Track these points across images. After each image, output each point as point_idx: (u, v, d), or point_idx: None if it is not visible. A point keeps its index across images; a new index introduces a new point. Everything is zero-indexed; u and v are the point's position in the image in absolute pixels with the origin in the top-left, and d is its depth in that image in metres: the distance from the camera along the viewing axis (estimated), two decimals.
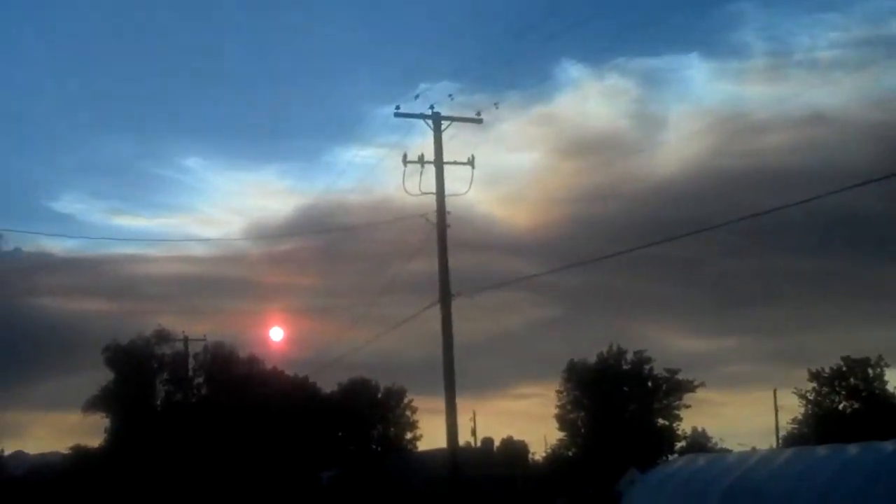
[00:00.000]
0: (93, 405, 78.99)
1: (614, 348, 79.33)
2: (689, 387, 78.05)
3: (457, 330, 27.81)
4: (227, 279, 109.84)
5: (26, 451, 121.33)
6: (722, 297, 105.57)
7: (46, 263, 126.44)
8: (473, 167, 28.47)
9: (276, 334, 65.88)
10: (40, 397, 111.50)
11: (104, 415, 79.61)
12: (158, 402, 79.02)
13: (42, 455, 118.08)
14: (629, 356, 79.06)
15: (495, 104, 29.40)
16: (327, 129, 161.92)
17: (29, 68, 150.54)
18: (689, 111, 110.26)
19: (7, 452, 79.39)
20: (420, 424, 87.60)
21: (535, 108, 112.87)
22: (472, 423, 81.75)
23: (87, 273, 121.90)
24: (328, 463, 75.00)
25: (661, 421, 78.52)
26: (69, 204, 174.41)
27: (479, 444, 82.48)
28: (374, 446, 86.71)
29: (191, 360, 74.00)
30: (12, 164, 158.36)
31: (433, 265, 28.18)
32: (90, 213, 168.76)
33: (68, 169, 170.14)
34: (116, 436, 78.50)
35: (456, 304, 27.69)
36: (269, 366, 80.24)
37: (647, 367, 78.63)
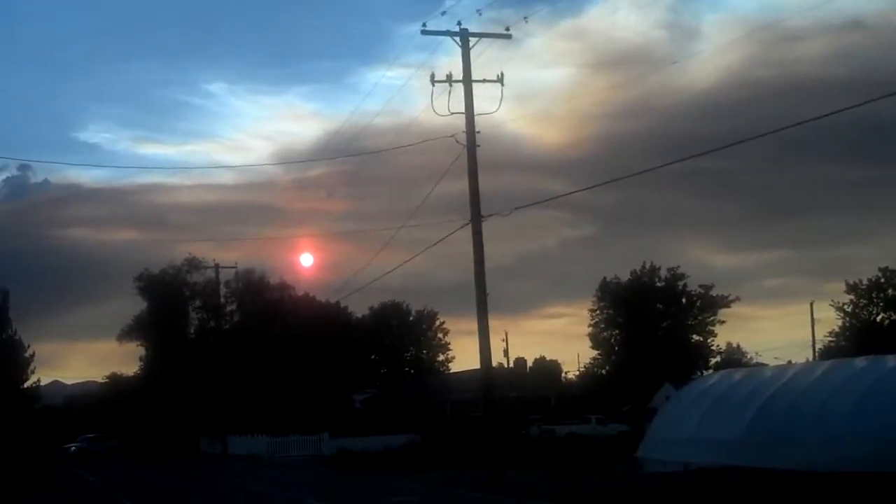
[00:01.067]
0: (127, 334, 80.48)
1: (647, 265, 79.41)
2: (723, 302, 78.10)
3: (488, 251, 27.61)
4: (255, 206, 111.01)
5: (63, 380, 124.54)
6: (758, 211, 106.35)
7: (75, 194, 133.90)
8: (503, 85, 27.73)
9: (306, 260, 65.48)
10: (75, 328, 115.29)
11: (139, 343, 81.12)
12: (192, 330, 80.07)
13: (78, 384, 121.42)
14: (663, 273, 79.21)
15: (524, 18, 28.41)
16: (352, 50, 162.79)
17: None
18: (723, 20, 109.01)
19: (44, 382, 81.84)
20: (452, 346, 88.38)
21: (566, 22, 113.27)
22: (504, 344, 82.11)
23: (115, 203, 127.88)
24: (361, 385, 75.97)
25: (695, 337, 78.82)
26: (95, 133, 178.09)
27: (511, 364, 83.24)
28: (406, 368, 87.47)
29: (222, 287, 73.71)
30: (38, 96, 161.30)
31: (463, 186, 27.84)
32: (116, 143, 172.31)
33: (94, 98, 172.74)
34: (152, 364, 79.96)
35: (487, 225, 27.47)
36: (299, 292, 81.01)
37: (680, 283, 78.76)
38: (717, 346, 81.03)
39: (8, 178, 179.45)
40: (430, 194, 30.51)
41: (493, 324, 28.09)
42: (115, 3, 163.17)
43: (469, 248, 27.45)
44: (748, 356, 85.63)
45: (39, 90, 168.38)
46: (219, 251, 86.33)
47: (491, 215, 27.26)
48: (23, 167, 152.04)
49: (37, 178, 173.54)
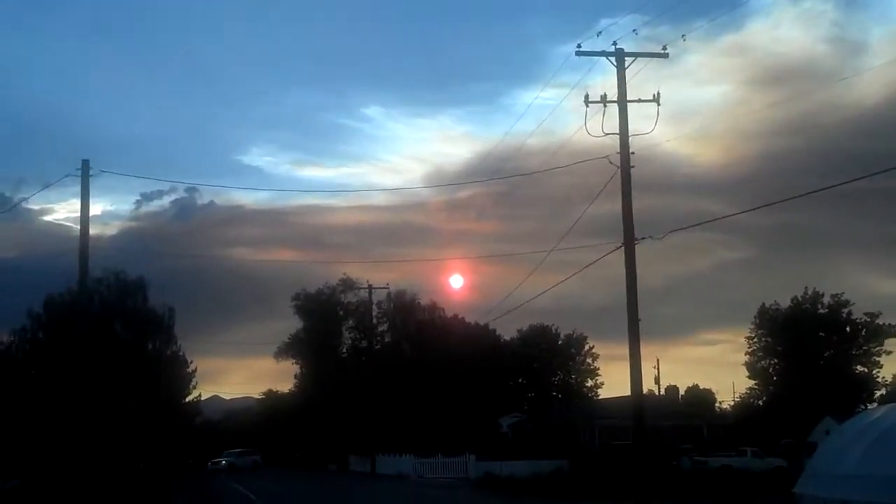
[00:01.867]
0: (284, 351, 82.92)
1: (809, 291, 76.46)
2: (890, 331, 74.61)
3: (641, 274, 27.04)
4: (407, 227, 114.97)
5: (222, 395, 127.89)
6: None
7: (238, 215, 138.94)
8: (659, 104, 27.09)
9: (457, 282, 67.00)
10: (235, 345, 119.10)
11: (294, 361, 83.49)
12: (344, 349, 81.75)
13: (237, 399, 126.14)
14: (826, 299, 76.06)
15: (683, 36, 27.62)
16: (507, 72, 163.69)
17: (216, 32, 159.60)
18: (892, 33, 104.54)
19: (204, 397, 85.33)
20: (601, 371, 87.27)
21: (725, 38, 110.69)
22: (655, 371, 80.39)
23: (275, 224, 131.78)
24: (507, 409, 75.69)
25: (859, 368, 75.38)
26: (257, 157, 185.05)
27: (663, 392, 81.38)
28: (554, 393, 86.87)
29: (374, 307, 75.01)
30: (205, 122, 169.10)
31: (617, 208, 27.40)
32: (277, 166, 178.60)
33: (256, 123, 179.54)
34: (305, 381, 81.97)
35: (640, 248, 26.92)
36: (449, 313, 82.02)
37: (844, 310, 75.44)
38: (883, 377, 76.98)
39: (176, 199, 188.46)
40: (582, 216, 30.08)
41: (645, 350, 27.44)
42: (275, 32, 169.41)
43: (621, 271, 27.13)
44: None
45: (207, 117, 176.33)
46: (372, 272, 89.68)
47: (644, 238, 26.86)
48: (190, 189, 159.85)
49: (203, 199, 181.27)
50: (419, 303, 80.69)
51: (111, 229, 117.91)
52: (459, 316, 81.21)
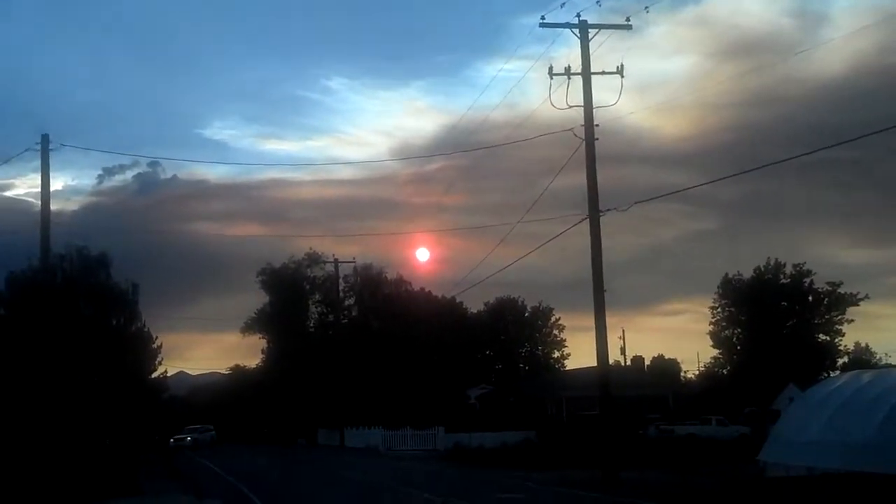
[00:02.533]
0: (250, 327, 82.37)
1: (772, 262, 76.83)
2: (852, 300, 75.23)
3: (606, 246, 27.50)
4: (373, 201, 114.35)
5: (188, 371, 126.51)
6: (890, 204, 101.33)
7: (201, 190, 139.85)
8: (622, 76, 27.36)
9: (423, 255, 67.92)
10: (200, 320, 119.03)
11: (261, 336, 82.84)
12: (311, 324, 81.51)
13: (203, 375, 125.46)
14: (788, 269, 76.48)
15: (646, 8, 27.51)
16: (470, 43, 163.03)
17: (178, 3, 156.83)
18: (853, 6, 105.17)
19: (171, 373, 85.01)
20: (568, 343, 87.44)
21: (688, 10, 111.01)
22: (621, 342, 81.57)
23: (239, 198, 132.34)
24: (476, 381, 75.76)
25: (821, 336, 76.16)
26: (220, 131, 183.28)
27: (629, 362, 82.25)
28: (521, 365, 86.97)
29: (341, 282, 75.59)
30: (167, 95, 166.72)
31: (581, 180, 27.67)
32: (240, 139, 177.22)
33: (218, 96, 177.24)
34: (272, 356, 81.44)
35: (605, 220, 27.36)
36: (416, 287, 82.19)
37: (806, 280, 76.05)
38: (845, 346, 78.34)
39: (139, 173, 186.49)
40: (547, 189, 30.38)
41: (611, 320, 27.76)
42: (238, 2, 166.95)
43: (587, 243, 27.34)
44: (877, 357, 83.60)
45: (169, 90, 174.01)
46: (338, 246, 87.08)
47: (609, 210, 27.14)
48: (153, 164, 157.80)
49: (166, 174, 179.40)
50: (386, 277, 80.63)
51: (73, 205, 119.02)
52: (426, 289, 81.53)
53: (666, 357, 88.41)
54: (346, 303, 79.72)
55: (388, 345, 72.99)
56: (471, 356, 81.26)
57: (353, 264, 75.70)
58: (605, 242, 27.24)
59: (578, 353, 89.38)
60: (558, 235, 29.04)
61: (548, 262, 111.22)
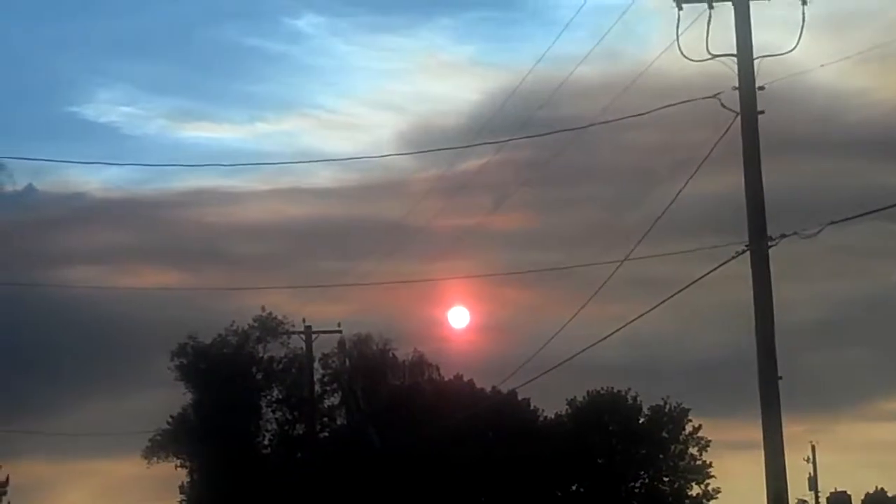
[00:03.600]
0: (160, 447, 74.21)
1: None
2: None
3: (780, 300, 24.49)
4: (368, 223, 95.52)
5: None
6: None
7: (77, 210, 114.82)
8: (805, 3, 23.70)
9: (459, 317, 65.02)
10: (72, 439, 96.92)
11: (178, 462, 74.24)
12: (266, 440, 73.76)
13: None
14: None
15: None
16: None
17: None
18: None
19: None
20: (715, 470, 74.70)
21: None
22: (809, 466, 78.90)
23: (141, 224, 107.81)
24: None
25: None
26: (109, 108, 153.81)
27: (822, 502, 77.92)
28: None
29: (317, 366, 67.85)
30: (14, 49, 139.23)
31: (733, 184, 24.84)
32: (142, 122, 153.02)
33: (103, 52, 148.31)
34: (199, 494, 74.53)
35: (778, 254, 24.30)
36: (448, 374, 74.67)
37: None
38: None
39: None
40: (674, 201, 26.69)
41: (791, 430, 25.41)
42: None
43: (745, 294, 24.42)
44: None
45: (18, 40, 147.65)
46: (312, 304, 69.83)
47: (786, 236, 24.10)
48: None
49: (16, 184, 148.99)
50: (394, 356, 71.54)
51: None
52: (465, 378, 72.44)
53: (889, 493, 77.93)
54: (327, 402, 70.68)
55: (400, 476, 65.50)
56: (545, 491, 71.27)
57: (337, 335, 66.04)
58: (780, 292, 24.61)
59: (733, 488, 75.49)
60: (695, 282, 26.42)
61: (675, 329, 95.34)
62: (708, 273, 26.28)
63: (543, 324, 65.10)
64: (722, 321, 72.97)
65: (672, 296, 27.90)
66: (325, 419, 70.27)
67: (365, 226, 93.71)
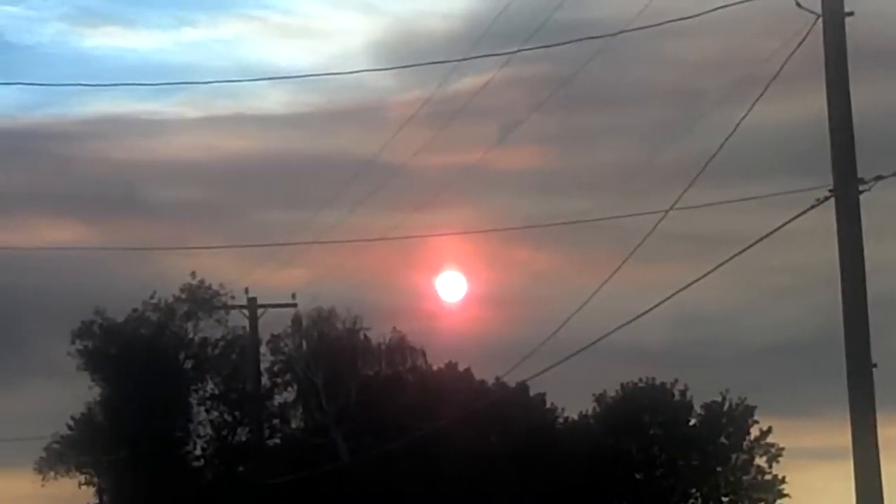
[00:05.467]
0: (57, 459, 73.54)
1: None
2: None
3: (874, 261, 25.63)
4: (333, 161, 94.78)
5: None
6: None
7: None
8: None
9: (452, 287, 66.04)
10: None
11: (83, 479, 74.18)
12: (199, 448, 72.74)
13: None
14: None
15: None
16: None
17: None
18: None
19: None
20: (788, 484, 73.90)
21: None
22: None
23: (27, 161, 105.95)
24: None
25: None
26: None
27: None
28: None
29: (264, 350, 68.93)
30: None
31: (811, 109, 26.52)
32: (33, 27, 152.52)
33: None
34: None
35: (870, 200, 25.17)
36: (437, 359, 73.37)
37: None
38: None
39: None
40: (734, 132, 27.67)
41: (890, 433, 26.12)
42: None
43: (825, 252, 26.22)
44: None
45: None
46: (257, 270, 72.24)
47: (882, 178, 24.92)
48: None
49: None
50: (366, 337, 70.61)
51: None
52: (460, 366, 71.85)
53: None
54: (278, 399, 70.11)
55: (374, 495, 65.23)
56: None
57: (291, 310, 68.00)
58: (874, 252, 25.77)
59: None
60: (762, 239, 26.92)
61: (736, 302, 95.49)
62: (779, 227, 26.49)
63: (563, 295, 67.11)
64: (798, 291, 74.79)
65: (732, 257, 28.05)
66: (276, 421, 68.97)
67: (328, 165, 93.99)
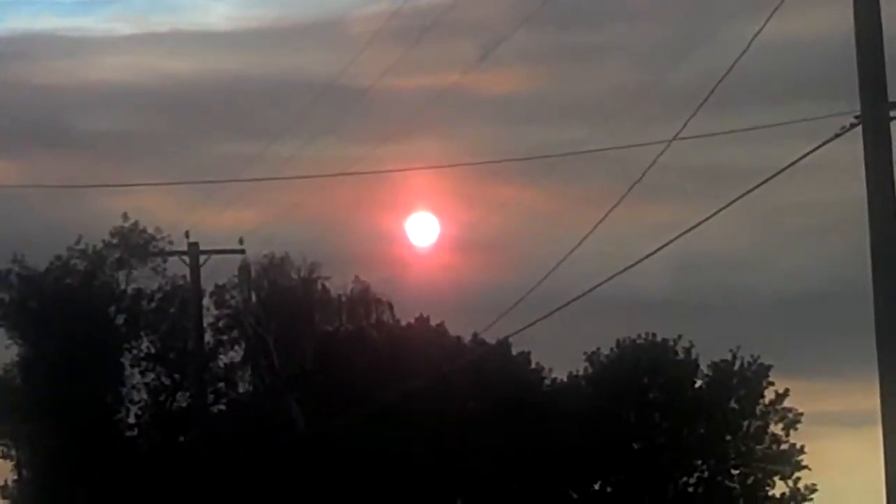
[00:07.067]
0: None
1: None
2: None
3: None
4: (286, 84, 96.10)
5: None
6: None
7: None
8: None
9: (423, 229, 66.14)
10: None
11: (1, 450, 75.23)
12: (133, 416, 73.31)
13: None
14: None
15: None
16: None
17: None
18: None
19: None
20: (808, 457, 73.25)
21: None
22: None
23: None
24: None
25: None
26: None
27: None
28: None
29: (208, 303, 68.96)
30: None
31: (834, 22, 27.88)
32: None
33: None
34: (31, 493, 75.13)
35: None
36: (406, 313, 73.78)
37: None
38: None
39: None
40: (749, 47, 27.72)
41: None
42: None
43: (850, 187, 27.33)
44: None
45: None
46: (199, 209, 72.53)
47: None
48: None
49: None
50: (325, 287, 70.97)
51: None
52: (433, 321, 72.20)
53: None
54: (223, 360, 70.28)
55: (333, 468, 65.75)
56: (553, 490, 71.19)
57: (238, 256, 67.86)
58: None
59: (835, 482, 75.45)
60: (779, 173, 27.39)
61: (748, 245, 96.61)
62: (799, 159, 26.82)
63: (551, 239, 68.52)
64: (821, 233, 75.30)
65: (744, 194, 28.42)
66: (221, 385, 69.49)
67: (281, 90, 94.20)
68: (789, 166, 26.93)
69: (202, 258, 65.91)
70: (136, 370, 71.08)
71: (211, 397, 68.97)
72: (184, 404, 70.14)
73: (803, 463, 72.18)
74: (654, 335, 72.99)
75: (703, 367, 73.13)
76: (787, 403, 72.62)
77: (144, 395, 70.75)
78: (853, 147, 25.54)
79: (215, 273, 68.30)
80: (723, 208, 29.22)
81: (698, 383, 73.16)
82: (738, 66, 28.50)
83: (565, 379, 73.95)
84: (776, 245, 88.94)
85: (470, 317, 68.69)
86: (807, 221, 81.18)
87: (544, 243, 78.81)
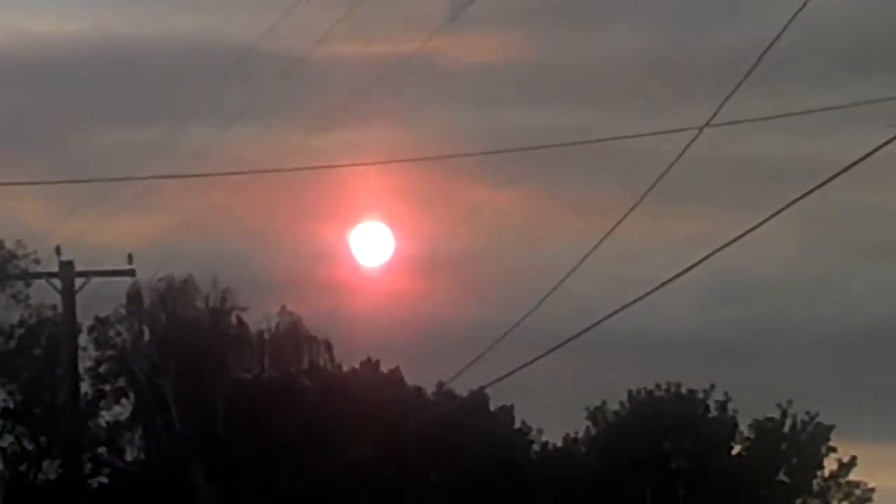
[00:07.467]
0: None
1: None
2: None
3: None
4: (189, 49, 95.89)
5: None
6: None
7: None
8: None
9: (372, 245, 61.20)
10: None
11: None
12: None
13: None
14: None
15: None
16: None
17: None
18: None
19: None
20: None
21: None
22: None
23: None
24: None
25: None
26: None
27: None
28: None
29: (86, 342, 68.91)
30: None
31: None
32: None
33: None
34: None
35: None
36: (352, 356, 75.65)
37: None
38: None
39: None
40: (795, 17, 22.28)
41: None
42: None
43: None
44: None
45: None
46: (76, 217, 67.77)
47: None
48: None
49: None
50: (241, 321, 71.33)
51: None
52: (383, 366, 73.22)
53: None
54: (106, 416, 70.69)
55: None
56: None
57: (128, 279, 64.28)
58: None
59: None
60: (840, 173, 21.57)
61: (796, 262, 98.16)
62: (866, 157, 24.51)
63: (540, 257, 70.22)
64: (870, 250, 76.61)
65: (795, 201, 25.73)
66: (102, 451, 69.30)
67: (187, 59, 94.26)
68: (854, 165, 25.75)
69: (78, 282, 61.85)
70: None
71: (89, 467, 67.68)
72: (52, 476, 68.44)
73: None
74: (678, 385, 73.34)
75: (743, 428, 73.70)
76: (853, 476, 73.61)
77: (0, 465, 70.21)
78: None
79: (95, 302, 65.30)
80: (767, 219, 28.33)
81: (737, 449, 74.04)
82: (784, 39, 27.55)
83: (560, 443, 74.02)
84: (837, 263, 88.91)
85: (433, 361, 67.81)
86: (877, 232, 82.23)
87: (531, 263, 77.76)
